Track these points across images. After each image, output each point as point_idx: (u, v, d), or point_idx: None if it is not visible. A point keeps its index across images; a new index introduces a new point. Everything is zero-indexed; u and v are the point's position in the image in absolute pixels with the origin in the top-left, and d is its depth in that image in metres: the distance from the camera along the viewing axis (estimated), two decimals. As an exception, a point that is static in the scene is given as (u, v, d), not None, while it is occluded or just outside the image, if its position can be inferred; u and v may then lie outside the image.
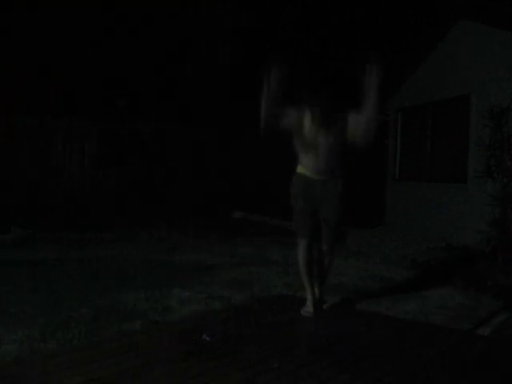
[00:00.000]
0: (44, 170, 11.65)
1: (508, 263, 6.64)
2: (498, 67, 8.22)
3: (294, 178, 4.01)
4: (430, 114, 10.16)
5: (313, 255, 3.93)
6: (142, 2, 15.39)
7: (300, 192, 3.91)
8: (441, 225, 9.39)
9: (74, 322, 4.14)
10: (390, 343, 3.14)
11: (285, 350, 2.96)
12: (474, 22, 8.94)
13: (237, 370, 2.67)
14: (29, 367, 2.63)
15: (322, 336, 3.21)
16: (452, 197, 9.22)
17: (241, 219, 11.89)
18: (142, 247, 8.02)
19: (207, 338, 3.09)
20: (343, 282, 5.80)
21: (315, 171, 3.85)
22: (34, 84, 14.32)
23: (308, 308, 3.81)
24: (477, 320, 4.67)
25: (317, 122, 3.73)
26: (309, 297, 3.87)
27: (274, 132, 3.67)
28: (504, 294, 5.46)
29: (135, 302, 4.86)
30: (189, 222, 10.84)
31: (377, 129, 3.72)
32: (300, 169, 3.98)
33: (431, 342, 3.22)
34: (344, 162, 3.82)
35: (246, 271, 6.19)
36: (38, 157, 11.60)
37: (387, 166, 11.70)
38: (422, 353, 3.00)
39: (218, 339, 3.09)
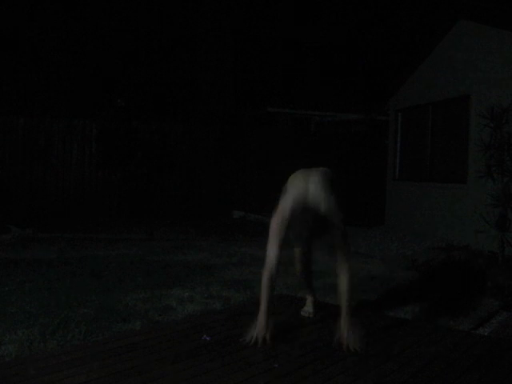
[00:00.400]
0: (44, 170, 11.65)
1: (508, 263, 6.64)
2: (498, 67, 8.22)
3: None
4: (430, 114, 10.17)
5: (308, 260, 3.91)
6: (141, 3, 15.39)
7: None
8: (441, 225, 9.40)
9: (73, 321, 4.15)
10: (390, 343, 3.14)
11: (285, 349, 2.96)
12: (473, 22, 8.94)
13: (237, 370, 2.67)
14: (29, 367, 2.63)
15: (323, 336, 3.21)
16: (452, 197, 9.22)
17: (241, 219, 11.90)
18: (142, 247, 8.02)
19: (207, 338, 3.09)
20: (343, 282, 5.79)
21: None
22: (34, 84, 14.31)
23: (308, 308, 3.81)
24: (477, 320, 4.68)
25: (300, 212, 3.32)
26: (309, 297, 3.87)
27: None
28: (504, 293, 5.46)
29: (135, 302, 4.86)
30: (189, 222, 10.84)
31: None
32: None
33: (431, 341, 3.22)
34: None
35: (246, 271, 6.19)
36: (37, 157, 11.60)
37: (387, 166, 11.71)
38: (423, 353, 3.00)
39: (218, 339, 3.09)
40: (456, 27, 9.37)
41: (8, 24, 14.00)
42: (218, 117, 14.34)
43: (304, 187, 3.12)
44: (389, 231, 10.63)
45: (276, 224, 3.17)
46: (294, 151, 12.54)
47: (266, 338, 3.05)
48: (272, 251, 3.17)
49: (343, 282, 3.10)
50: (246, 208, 12.21)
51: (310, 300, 3.85)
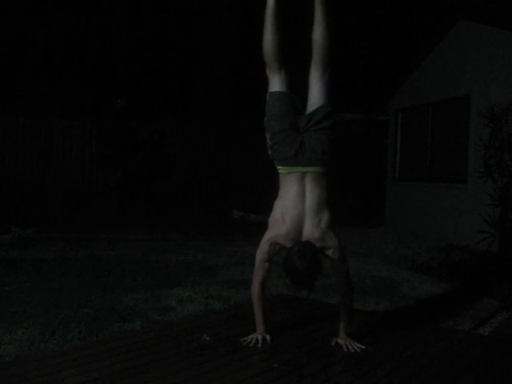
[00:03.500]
0: (44, 169, 11.65)
1: (508, 263, 6.64)
2: (498, 67, 8.22)
3: None
4: (430, 114, 10.17)
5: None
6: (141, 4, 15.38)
7: None
8: (441, 225, 9.40)
9: (74, 321, 4.15)
10: (389, 343, 3.14)
11: (285, 349, 2.96)
12: (473, 22, 8.94)
13: (237, 369, 2.67)
14: (29, 367, 2.63)
15: (323, 336, 3.21)
16: (452, 197, 9.22)
17: (241, 219, 11.90)
18: (141, 247, 8.02)
19: (207, 338, 3.09)
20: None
21: None
22: (34, 84, 14.31)
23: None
24: (477, 320, 4.68)
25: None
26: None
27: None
28: (504, 293, 5.46)
29: (135, 302, 4.86)
30: (189, 222, 10.84)
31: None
32: None
33: (431, 341, 3.22)
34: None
35: (246, 271, 6.18)
36: (37, 157, 11.60)
37: (387, 166, 11.71)
38: (423, 353, 3.00)
39: (218, 339, 3.09)
40: (456, 27, 9.37)
41: (8, 24, 14.00)
42: (218, 117, 14.32)
43: (297, 224, 2.95)
44: (389, 231, 10.63)
45: (259, 261, 3.11)
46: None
47: (266, 339, 3.06)
48: (255, 287, 3.13)
49: (343, 314, 3.07)
50: (246, 208, 12.20)
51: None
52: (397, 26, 16.15)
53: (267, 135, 3.13)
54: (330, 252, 2.98)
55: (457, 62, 9.29)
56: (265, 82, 3.21)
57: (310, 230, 2.94)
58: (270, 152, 3.13)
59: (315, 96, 3.08)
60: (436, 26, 10.38)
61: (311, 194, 2.98)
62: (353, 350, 2.95)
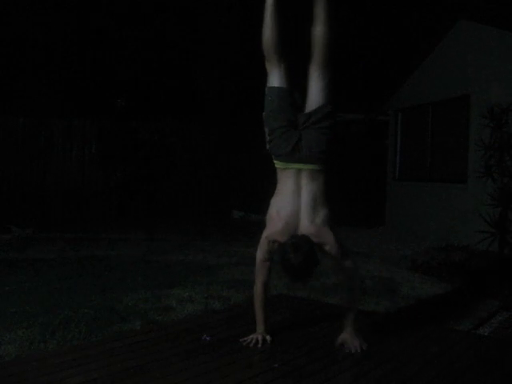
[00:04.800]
0: (44, 169, 11.65)
1: (508, 263, 6.64)
2: (499, 67, 8.22)
3: None
4: (430, 114, 10.17)
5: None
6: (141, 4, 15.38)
7: None
8: (441, 225, 9.39)
9: (74, 322, 4.15)
10: (389, 343, 3.14)
11: (285, 349, 2.96)
12: (473, 22, 8.94)
13: (237, 369, 2.67)
14: (29, 367, 2.62)
15: (322, 336, 3.20)
16: (452, 197, 9.22)
17: (241, 219, 11.90)
18: (141, 247, 8.02)
19: (207, 338, 3.08)
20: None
21: None
22: (34, 84, 14.30)
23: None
24: (477, 320, 4.68)
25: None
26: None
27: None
28: (504, 293, 5.46)
29: (135, 302, 4.86)
30: (189, 222, 10.85)
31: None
32: None
33: (431, 341, 3.22)
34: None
35: (246, 271, 6.18)
36: (37, 157, 11.60)
37: (387, 166, 11.70)
38: (423, 352, 3.00)
39: (218, 339, 3.09)
40: (456, 27, 9.37)
41: (8, 24, 13.99)
42: (218, 117, 14.33)
43: (293, 220, 2.94)
44: (389, 231, 10.63)
45: (260, 260, 3.10)
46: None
47: (265, 339, 3.05)
48: (257, 287, 3.12)
49: (348, 309, 3.05)
50: (246, 208, 12.20)
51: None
52: (397, 25, 16.13)
53: (266, 130, 3.13)
54: (327, 248, 2.97)
55: (457, 62, 9.29)
56: (265, 82, 3.19)
57: (306, 226, 2.93)
58: (268, 147, 3.13)
59: (315, 95, 3.05)
60: (436, 25, 10.35)
61: (307, 191, 2.97)
62: (355, 349, 2.94)
